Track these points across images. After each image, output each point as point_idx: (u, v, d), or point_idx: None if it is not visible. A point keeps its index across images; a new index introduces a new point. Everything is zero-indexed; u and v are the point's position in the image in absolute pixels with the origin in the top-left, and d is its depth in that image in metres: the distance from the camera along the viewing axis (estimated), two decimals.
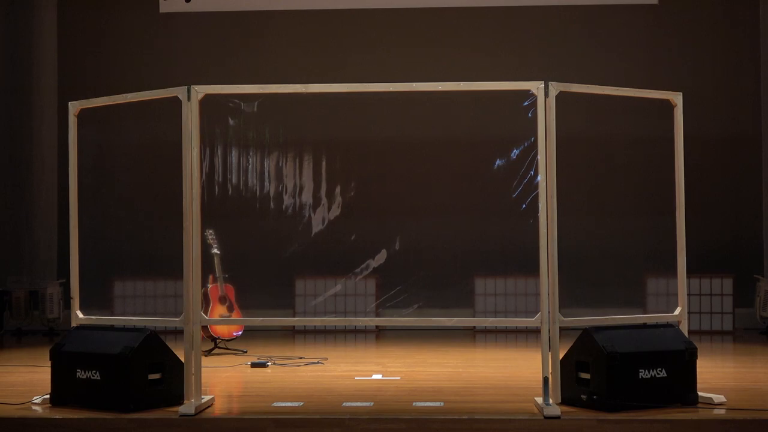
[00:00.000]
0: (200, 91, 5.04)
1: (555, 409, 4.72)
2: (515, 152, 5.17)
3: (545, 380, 4.87)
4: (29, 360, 7.17)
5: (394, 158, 9.37)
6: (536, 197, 4.92)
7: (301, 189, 5.66)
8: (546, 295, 4.89)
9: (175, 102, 5.07)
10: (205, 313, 7.10)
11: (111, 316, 8.18)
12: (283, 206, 5.65)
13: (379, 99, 5.71)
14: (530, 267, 5.05)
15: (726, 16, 9.83)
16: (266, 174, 5.78)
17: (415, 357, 7.39)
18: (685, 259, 5.34)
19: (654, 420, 4.62)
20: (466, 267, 9.12)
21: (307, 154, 5.69)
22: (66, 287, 7.38)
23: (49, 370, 5.16)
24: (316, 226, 5.60)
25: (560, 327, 4.91)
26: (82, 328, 5.29)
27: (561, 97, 4.93)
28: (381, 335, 9.23)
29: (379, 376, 6.26)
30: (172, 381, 5.06)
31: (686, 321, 5.29)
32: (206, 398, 5.07)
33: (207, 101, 5.08)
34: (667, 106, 5.39)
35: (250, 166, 5.81)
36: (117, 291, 9.40)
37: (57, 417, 4.82)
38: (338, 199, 5.62)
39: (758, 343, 8.40)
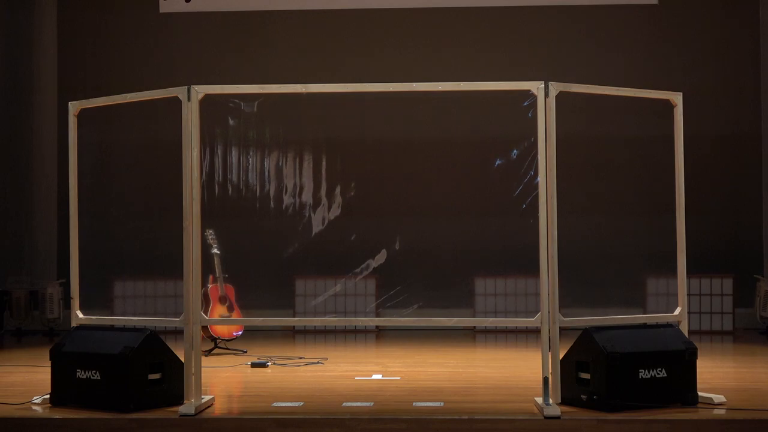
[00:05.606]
0: (200, 91, 5.04)
1: (555, 409, 4.72)
2: (515, 152, 5.17)
3: (545, 380, 4.87)
4: (29, 360, 7.16)
5: (394, 158, 9.36)
6: (536, 197, 4.92)
7: (301, 189, 5.66)
8: (546, 295, 4.89)
9: (175, 102, 5.07)
10: (205, 313, 7.10)
11: (111, 316, 8.22)
12: (283, 206, 5.65)
13: (379, 99, 5.70)
14: (530, 267, 5.05)
15: (726, 17, 9.83)
16: (266, 174, 5.78)
17: (415, 357, 7.39)
18: (685, 259, 5.34)
19: (654, 420, 4.62)
20: (466, 267, 9.12)
21: (307, 154, 5.68)
22: (66, 287, 7.38)
23: (49, 370, 5.16)
24: (316, 226, 5.60)
25: (560, 327, 4.91)
26: (82, 328, 5.29)
27: (561, 97, 4.93)
28: (381, 335, 9.22)
29: (379, 376, 6.26)
30: (172, 381, 5.06)
31: (686, 321, 5.29)
32: (206, 398, 5.07)
33: (207, 101, 5.08)
34: (667, 106, 5.39)
35: (250, 166, 5.80)
36: (117, 291, 9.40)
37: (57, 417, 4.83)
38: (338, 199, 5.62)
39: (758, 343, 8.40)
